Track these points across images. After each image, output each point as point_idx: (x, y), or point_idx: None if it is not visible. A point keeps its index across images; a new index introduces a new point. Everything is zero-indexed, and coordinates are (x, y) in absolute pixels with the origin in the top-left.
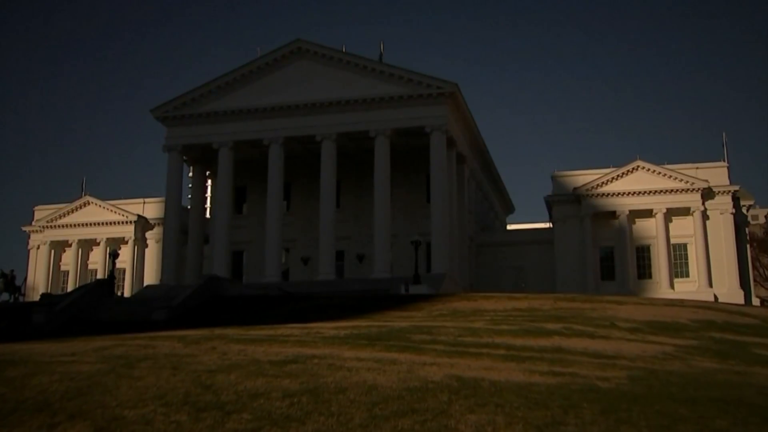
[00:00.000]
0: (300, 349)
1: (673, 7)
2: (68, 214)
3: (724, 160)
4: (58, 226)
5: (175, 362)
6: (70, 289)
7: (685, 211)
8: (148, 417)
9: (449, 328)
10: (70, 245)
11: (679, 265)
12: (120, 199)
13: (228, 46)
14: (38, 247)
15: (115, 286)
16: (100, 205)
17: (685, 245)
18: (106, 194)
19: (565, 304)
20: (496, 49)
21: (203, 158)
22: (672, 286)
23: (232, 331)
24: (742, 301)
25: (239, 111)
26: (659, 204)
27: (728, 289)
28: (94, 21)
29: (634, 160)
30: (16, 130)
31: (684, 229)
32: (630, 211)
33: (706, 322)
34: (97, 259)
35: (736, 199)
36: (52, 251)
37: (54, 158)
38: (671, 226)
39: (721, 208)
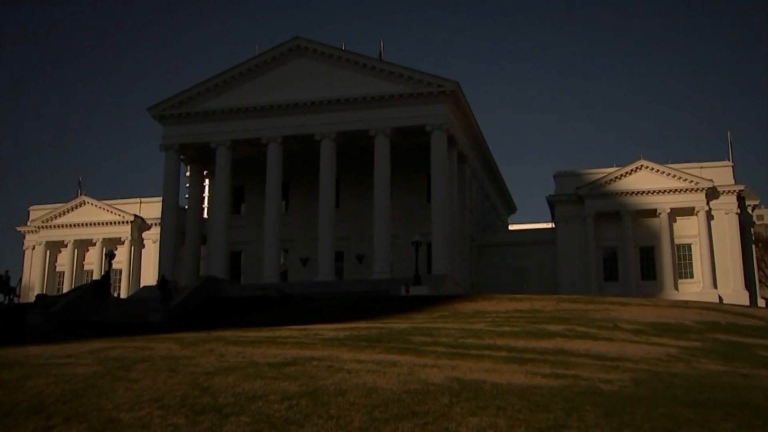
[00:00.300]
0: (299, 351)
1: (676, 4)
2: (64, 214)
3: (729, 160)
4: (54, 227)
5: (172, 364)
6: (65, 290)
7: (690, 211)
8: (144, 420)
9: (450, 330)
10: (66, 246)
11: (683, 266)
12: (116, 198)
13: (226, 44)
14: (33, 248)
15: (111, 286)
16: (96, 205)
17: (689, 246)
18: (102, 194)
19: (567, 305)
20: (497, 47)
21: (201, 157)
22: (676, 287)
23: (229, 333)
24: (747, 302)
25: (237, 109)
26: (663, 204)
27: (733, 290)
28: (90, 19)
29: (638, 159)
30: (12, 129)
31: (688, 230)
32: (633, 211)
33: (710, 324)
34: (93, 260)
35: (741, 199)
36: (48, 252)
37: (50, 158)
38: (675, 226)
39: (726, 208)
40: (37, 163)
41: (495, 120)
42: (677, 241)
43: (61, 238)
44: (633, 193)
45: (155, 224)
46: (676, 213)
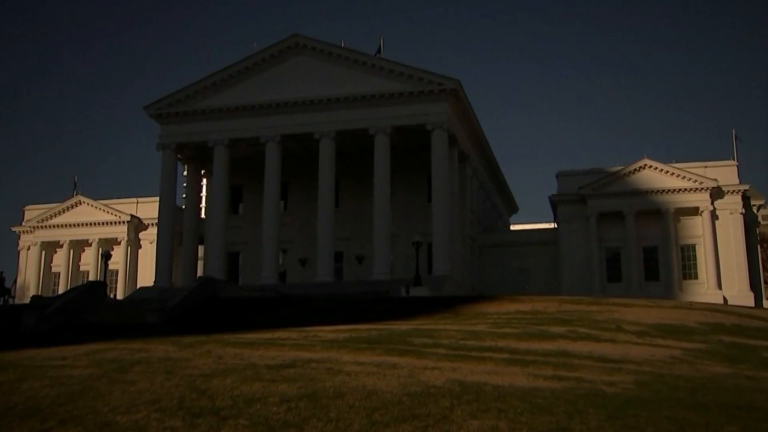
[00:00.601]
0: (297, 353)
1: (680, 2)
2: (59, 214)
3: (733, 159)
4: (49, 227)
5: (169, 366)
6: (61, 291)
7: (694, 211)
8: (141, 423)
9: (451, 331)
10: (62, 246)
11: (687, 267)
12: (113, 198)
13: (224, 42)
14: (28, 248)
15: (107, 287)
16: (92, 205)
17: (693, 246)
18: (98, 194)
19: (570, 306)
20: (499, 45)
21: (198, 156)
22: (680, 288)
23: (227, 335)
24: (752, 303)
25: (235, 108)
26: (667, 204)
27: (738, 291)
28: (86, 16)
29: (641, 158)
30: (6, 128)
31: (692, 230)
32: (637, 211)
33: (715, 326)
34: (89, 261)
35: (746, 199)
36: (43, 252)
37: (45, 157)
38: (679, 226)
39: (731, 208)
40: (32, 163)
41: (496, 119)
42: (681, 242)
43: (56, 239)
44: (636, 192)
45: (152, 224)
46: (680, 213)
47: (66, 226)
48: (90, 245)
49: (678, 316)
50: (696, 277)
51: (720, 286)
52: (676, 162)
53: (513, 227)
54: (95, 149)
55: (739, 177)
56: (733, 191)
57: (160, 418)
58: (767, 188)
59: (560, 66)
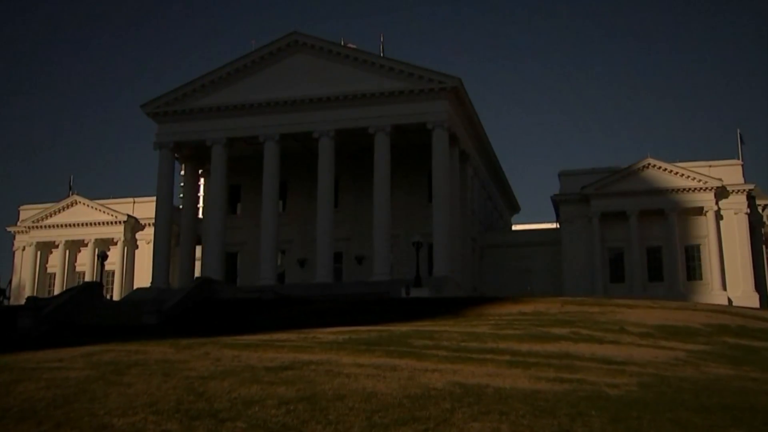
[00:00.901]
0: (296, 355)
1: (683, 1)
2: (55, 214)
3: (738, 158)
4: (45, 227)
5: (166, 368)
6: (57, 291)
7: (698, 211)
8: (138, 425)
9: (452, 333)
10: (57, 246)
11: (691, 267)
12: (109, 198)
13: (222, 40)
14: (24, 249)
15: (103, 288)
16: (88, 205)
17: (697, 246)
18: (94, 193)
19: (572, 307)
20: (501, 44)
21: (196, 156)
22: (684, 289)
23: (225, 336)
24: (757, 304)
25: (233, 107)
26: (671, 203)
27: (743, 293)
28: (82, 15)
29: (645, 157)
30: (2, 128)
31: (697, 230)
32: (640, 211)
33: (719, 327)
34: (85, 261)
35: (751, 199)
36: (39, 252)
37: (41, 156)
38: (683, 226)
39: (736, 208)
40: (28, 162)
41: (498, 118)
42: (685, 242)
43: (52, 239)
44: (640, 192)
45: (149, 224)
46: (684, 213)
47: (62, 226)
48: (86, 245)
49: (682, 318)
50: (700, 278)
51: (724, 287)
52: (679, 161)
53: (515, 227)
54: (92, 148)
55: (743, 176)
56: (738, 191)
57: (157, 421)
58: None
59: (562, 64)
